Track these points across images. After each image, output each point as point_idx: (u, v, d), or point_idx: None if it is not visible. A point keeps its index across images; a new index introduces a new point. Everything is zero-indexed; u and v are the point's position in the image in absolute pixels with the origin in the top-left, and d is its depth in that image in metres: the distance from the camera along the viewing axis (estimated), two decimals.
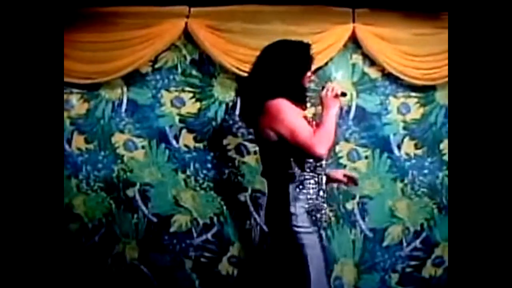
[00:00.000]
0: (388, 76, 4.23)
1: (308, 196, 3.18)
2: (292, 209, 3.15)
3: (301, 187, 3.18)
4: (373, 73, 4.26)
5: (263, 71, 3.27)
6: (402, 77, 4.15)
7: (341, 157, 4.24)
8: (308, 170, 3.20)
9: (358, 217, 4.24)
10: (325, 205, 3.26)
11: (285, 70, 3.23)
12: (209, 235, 4.24)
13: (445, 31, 3.72)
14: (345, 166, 4.21)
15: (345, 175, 3.55)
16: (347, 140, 4.24)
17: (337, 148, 4.22)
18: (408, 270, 4.26)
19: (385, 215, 4.23)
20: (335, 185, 4.16)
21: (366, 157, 4.24)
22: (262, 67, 3.30)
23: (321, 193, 3.24)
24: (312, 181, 3.20)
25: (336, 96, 3.27)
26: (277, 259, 3.34)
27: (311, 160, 3.21)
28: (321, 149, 3.12)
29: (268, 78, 3.22)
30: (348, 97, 4.20)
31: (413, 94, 4.25)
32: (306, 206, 3.16)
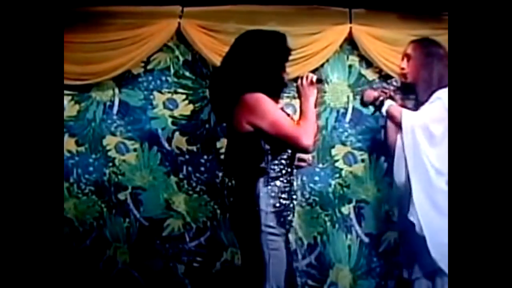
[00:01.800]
0: (385, 77, 4.16)
1: (280, 195, 3.08)
2: (260, 205, 3.04)
3: (271, 183, 3.08)
4: (370, 74, 4.22)
5: (238, 62, 3.16)
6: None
7: (337, 161, 4.19)
8: (280, 166, 3.12)
9: (354, 221, 4.20)
10: (295, 208, 3.20)
11: (263, 61, 3.14)
12: (202, 240, 4.20)
13: (442, 33, 3.69)
14: (341, 170, 4.18)
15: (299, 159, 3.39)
16: (343, 143, 4.20)
17: (333, 151, 4.19)
18: None
19: (381, 220, 4.19)
20: (330, 189, 4.16)
21: (363, 161, 4.20)
22: (237, 58, 3.19)
23: (292, 193, 3.16)
24: (283, 179, 3.11)
25: (312, 83, 3.19)
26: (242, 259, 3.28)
27: (285, 157, 3.13)
28: (308, 140, 3.05)
29: (245, 69, 3.13)
30: (344, 99, 4.19)
31: (411, 96, 4.18)
32: (277, 204, 3.07)
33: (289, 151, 3.14)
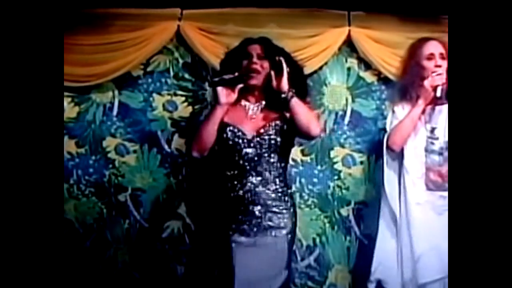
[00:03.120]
0: (384, 80, 4.19)
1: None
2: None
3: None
4: (369, 77, 4.22)
5: None
6: None
7: (336, 162, 4.20)
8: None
9: (353, 223, 4.20)
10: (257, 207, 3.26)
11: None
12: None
13: (441, 35, 3.67)
14: (340, 172, 4.18)
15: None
16: (342, 145, 4.20)
17: (332, 153, 4.19)
18: None
19: None
20: (329, 191, 4.18)
21: (362, 163, 4.20)
22: None
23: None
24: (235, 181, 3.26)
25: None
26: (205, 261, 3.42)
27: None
28: (193, 153, 3.35)
29: None
30: (343, 101, 4.20)
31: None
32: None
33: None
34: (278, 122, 3.28)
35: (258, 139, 3.26)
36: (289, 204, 3.28)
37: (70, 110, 4.18)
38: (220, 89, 3.25)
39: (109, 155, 4.20)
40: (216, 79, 3.29)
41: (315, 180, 4.16)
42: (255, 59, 3.31)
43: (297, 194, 4.14)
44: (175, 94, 4.20)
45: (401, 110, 3.60)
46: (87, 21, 4.04)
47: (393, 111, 3.64)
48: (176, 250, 4.17)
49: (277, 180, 3.27)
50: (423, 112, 3.54)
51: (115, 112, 4.20)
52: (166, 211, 4.19)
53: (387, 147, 3.57)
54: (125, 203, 4.20)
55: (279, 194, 3.26)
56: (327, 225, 4.18)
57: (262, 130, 3.27)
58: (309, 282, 4.17)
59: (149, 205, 4.20)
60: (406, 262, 3.54)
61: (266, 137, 3.25)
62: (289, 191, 3.35)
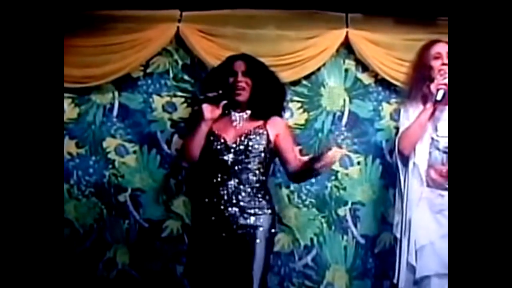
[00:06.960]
0: (381, 81, 4.20)
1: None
2: None
3: None
4: (366, 78, 4.23)
5: None
6: (395, 83, 4.10)
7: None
8: None
9: (350, 223, 4.21)
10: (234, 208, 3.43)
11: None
12: None
13: (438, 37, 3.69)
14: (337, 172, 4.20)
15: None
16: (339, 146, 4.19)
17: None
18: None
19: (377, 222, 4.20)
20: (326, 191, 4.20)
21: (359, 163, 4.22)
22: None
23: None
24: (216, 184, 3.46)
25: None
26: None
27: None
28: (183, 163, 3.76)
29: None
30: (341, 102, 4.22)
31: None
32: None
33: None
34: (259, 130, 3.47)
35: (237, 146, 3.44)
36: (267, 207, 3.46)
37: (70, 111, 4.21)
38: (205, 106, 3.45)
39: (109, 155, 4.22)
40: (201, 96, 3.47)
41: (312, 180, 4.13)
42: (240, 77, 3.51)
43: (295, 194, 4.18)
44: (175, 96, 4.23)
45: (412, 110, 3.59)
46: (87, 23, 4.07)
47: (405, 112, 3.64)
48: (176, 250, 4.19)
49: (256, 184, 3.44)
50: (433, 113, 3.54)
51: (115, 113, 4.23)
52: (165, 211, 4.21)
53: (398, 151, 3.59)
54: (124, 203, 4.22)
55: (257, 198, 3.44)
56: (325, 225, 4.19)
57: (242, 138, 3.45)
58: (306, 281, 4.18)
59: (148, 206, 4.22)
60: (404, 254, 3.56)
61: (245, 144, 3.44)
62: (267, 196, 3.49)
